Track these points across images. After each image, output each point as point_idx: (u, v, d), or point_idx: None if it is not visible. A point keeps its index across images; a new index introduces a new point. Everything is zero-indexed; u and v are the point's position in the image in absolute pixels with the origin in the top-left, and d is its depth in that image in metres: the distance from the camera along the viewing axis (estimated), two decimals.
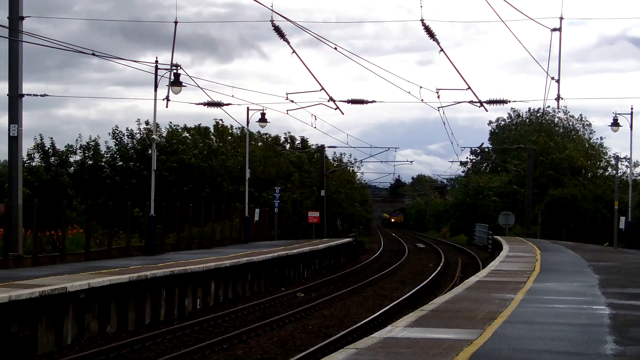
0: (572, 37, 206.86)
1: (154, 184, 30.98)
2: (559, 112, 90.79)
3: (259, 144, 63.07)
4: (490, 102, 31.08)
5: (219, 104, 35.63)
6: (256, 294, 28.79)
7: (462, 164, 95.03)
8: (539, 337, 11.39)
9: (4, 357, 15.35)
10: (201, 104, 35.56)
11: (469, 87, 28.38)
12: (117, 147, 55.88)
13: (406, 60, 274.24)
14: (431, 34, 24.27)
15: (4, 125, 46.65)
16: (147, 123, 55.08)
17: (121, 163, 55.69)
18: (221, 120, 60.92)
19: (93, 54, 24.59)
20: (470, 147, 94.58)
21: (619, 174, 47.89)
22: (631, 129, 42.45)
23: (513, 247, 38.65)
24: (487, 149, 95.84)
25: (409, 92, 30.22)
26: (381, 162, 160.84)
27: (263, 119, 41.41)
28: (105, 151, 55.69)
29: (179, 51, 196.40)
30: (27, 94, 26.71)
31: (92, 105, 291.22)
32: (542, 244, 43.01)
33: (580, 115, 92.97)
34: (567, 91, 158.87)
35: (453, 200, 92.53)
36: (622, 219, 43.13)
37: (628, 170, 54.50)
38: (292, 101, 33.66)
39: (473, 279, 20.81)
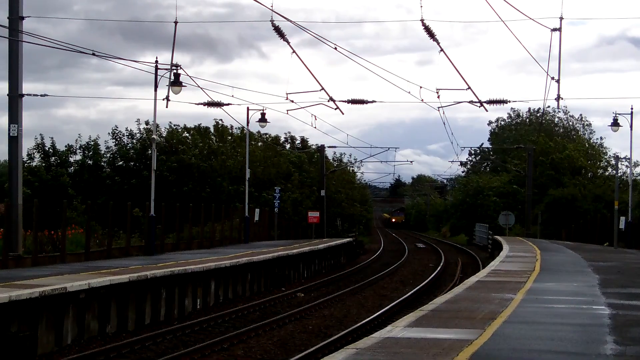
0: (572, 37, 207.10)
1: (154, 184, 30.99)
2: (559, 112, 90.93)
3: (259, 144, 63.02)
4: (490, 102, 31.09)
5: (219, 104, 35.63)
6: (256, 294, 28.79)
7: (462, 164, 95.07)
8: (539, 337, 11.39)
9: (4, 357, 15.35)
10: (201, 104, 35.59)
11: (469, 87, 28.40)
12: (116, 147, 55.89)
13: (406, 60, 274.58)
14: (431, 34, 24.27)
15: (4, 125, 46.69)
16: (147, 123, 55.12)
17: (121, 163, 55.69)
18: (221, 120, 60.97)
19: (93, 54, 24.60)
20: (470, 148, 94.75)
21: (619, 174, 47.89)
22: (631, 129, 42.51)
23: (513, 247, 38.64)
24: (487, 149, 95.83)
25: (409, 92, 30.26)
26: (381, 162, 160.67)
27: (263, 119, 41.42)
28: (105, 151, 55.76)
29: (179, 51, 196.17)
30: (27, 94, 26.71)
31: (92, 105, 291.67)
32: (542, 244, 43.00)
33: (580, 115, 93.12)
34: (567, 91, 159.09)
35: (453, 200, 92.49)
36: (622, 219, 43.13)
37: (628, 170, 54.55)
38: (292, 101, 33.70)
39: (473, 279, 20.81)
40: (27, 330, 16.00)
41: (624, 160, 58.20)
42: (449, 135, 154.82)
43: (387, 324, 16.16)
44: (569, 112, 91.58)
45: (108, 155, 55.81)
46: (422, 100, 30.58)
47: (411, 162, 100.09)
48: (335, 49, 25.56)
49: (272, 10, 22.53)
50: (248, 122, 42.09)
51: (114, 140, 56.00)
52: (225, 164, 55.22)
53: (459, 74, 28.43)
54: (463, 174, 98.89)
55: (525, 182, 65.95)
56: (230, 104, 36.20)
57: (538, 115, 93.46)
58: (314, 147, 67.54)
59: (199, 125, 60.51)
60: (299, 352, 16.85)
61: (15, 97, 25.49)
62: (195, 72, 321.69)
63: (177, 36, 32.94)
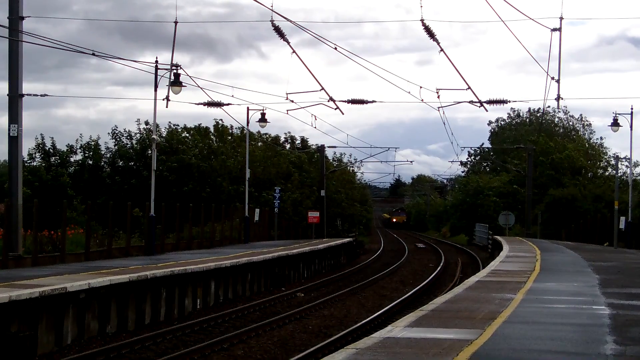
0: (571, 37, 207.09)
1: (154, 184, 30.99)
2: (559, 112, 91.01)
3: (259, 144, 63.02)
4: (490, 102, 31.10)
5: (218, 104, 35.64)
6: (256, 294, 28.79)
7: (462, 164, 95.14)
8: (539, 337, 11.39)
9: (4, 357, 15.35)
10: (201, 104, 35.61)
11: (469, 87, 28.41)
12: (116, 147, 55.88)
13: (405, 60, 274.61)
14: (431, 34, 24.26)
15: (4, 125, 46.65)
16: (146, 123, 55.06)
17: (121, 163, 55.67)
18: (221, 120, 60.95)
19: (93, 54, 24.61)
20: (470, 148, 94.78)
21: (619, 174, 47.89)
22: (631, 129, 42.51)
23: (513, 247, 38.65)
24: (487, 149, 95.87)
25: (409, 92, 30.27)
26: (381, 162, 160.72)
27: (263, 119, 41.43)
28: (105, 151, 55.75)
29: (178, 51, 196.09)
30: (27, 94, 26.71)
31: (92, 105, 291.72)
32: (542, 244, 43.00)
33: (580, 115, 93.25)
34: (567, 91, 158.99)
35: (453, 200, 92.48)
36: (622, 219, 43.14)
37: (628, 170, 54.54)
38: (292, 101, 33.73)
39: (473, 279, 20.80)
40: (27, 330, 16.00)
41: (624, 160, 58.28)
42: (449, 135, 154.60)
43: (387, 324, 16.15)
44: (569, 112, 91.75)
45: (108, 155, 55.83)
46: (422, 100, 30.61)
47: (411, 162, 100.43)
48: (335, 48, 25.59)
49: (271, 10, 22.56)
50: (248, 122, 42.13)
51: (114, 141, 56.08)
52: (225, 164, 55.21)
53: (459, 73, 28.48)
54: (463, 174, 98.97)
55: (525, 182, 65.96)
56: (230, 104, 36.26)
57: (538, 115, 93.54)
58: (314, 147, 67.54)
59: (199, 125, 60.56)
60: (299, 352, 16.85)
61: (15, 97, 25.49)
62: (195, 72, 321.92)
63: (176, 36, 32.92)
